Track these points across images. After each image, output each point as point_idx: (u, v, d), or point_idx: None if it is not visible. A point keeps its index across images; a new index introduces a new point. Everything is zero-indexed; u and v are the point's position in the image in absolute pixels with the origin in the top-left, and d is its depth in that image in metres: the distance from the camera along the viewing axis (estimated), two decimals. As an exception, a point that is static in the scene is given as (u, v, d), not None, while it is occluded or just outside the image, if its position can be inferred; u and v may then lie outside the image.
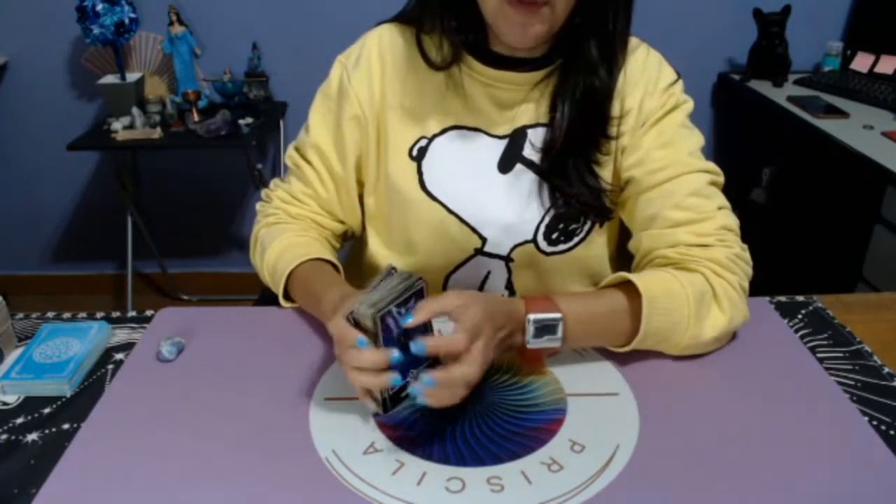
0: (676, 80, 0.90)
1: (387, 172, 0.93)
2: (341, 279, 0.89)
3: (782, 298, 0.94)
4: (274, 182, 1.01)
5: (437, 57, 0.88)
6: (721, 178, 0.88)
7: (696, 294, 0.77)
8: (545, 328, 0.74)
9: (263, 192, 1.01)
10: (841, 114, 1.86)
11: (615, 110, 0.88)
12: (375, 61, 0.91)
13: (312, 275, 0.88)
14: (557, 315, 0.74)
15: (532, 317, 0.74)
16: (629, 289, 0.78)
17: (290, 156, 0.97)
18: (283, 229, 0.94)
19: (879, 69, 2.09)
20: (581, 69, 0.85)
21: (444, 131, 0.91)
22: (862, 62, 2.14)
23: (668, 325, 0.77)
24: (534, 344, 0.74)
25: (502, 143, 0.91)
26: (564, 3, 0.78)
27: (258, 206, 1.01)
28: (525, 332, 0.74)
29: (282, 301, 0.91)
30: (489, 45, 0.87)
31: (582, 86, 0.85)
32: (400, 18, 0.93)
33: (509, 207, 0.90)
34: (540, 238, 0.92)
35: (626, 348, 0.78)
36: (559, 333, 0.74)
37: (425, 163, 0.91)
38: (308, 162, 0.95)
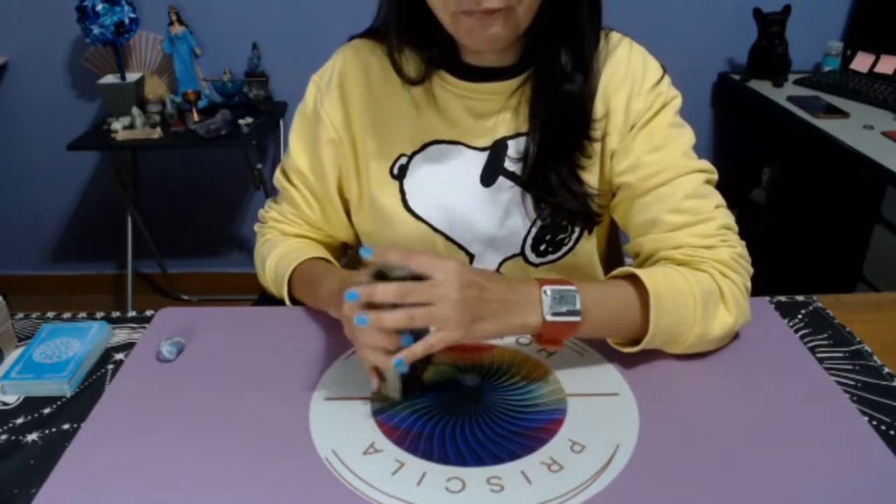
0: (662, 77, 0.87)
1: (370, 192, 0.92)
2: (338, 268, 0.92)
3: (782, 298, 0.94)
4: (268, 203, 1.03)
5: (409, 72, 0.87)
6: (715, 176, 0.86)
7: (702, 292, 0.77)
8: (563, 298, 0.72)
9: (259, 213, 1.03)
10: (841, 114, 1.86)
11: (599, 111, 0.86)
12: (347, 82, 0.90)
13: (309, 270, 0.90)
14: (572, 287, 0.73)
15: (548, 287, 0.72)
16: (637, 284, 0.77)
17: (277, 179, 0.98)
18: (279, 241, 0.97)
19: (879, 69, 2.09)
20: (555, 77, 0.83)
21: (423, 147, 0.89)
22: (862, 62, 2.14)
23: (675, 323, 0.76)
24: (554, 317, 0.71)
25: (483, 156, 0.89)
26: (526, 6, 0.76)
27: (256, 227, 1.03)
28: (541, 308, 0.72)
29: (290, 305, 0.93)
30: (461, 56, 0.86)
31: (559, 94, 0.83)
32: (370, 34, 0.91)
33: (494, 222, 0.89)
34: (528, 250, 0.91)
35: (636, 348, 0.77)
36: (578, 305, 0.72)
37: (407, 181, 0.90)
38: (293, 185, 0.96)
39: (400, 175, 0.90)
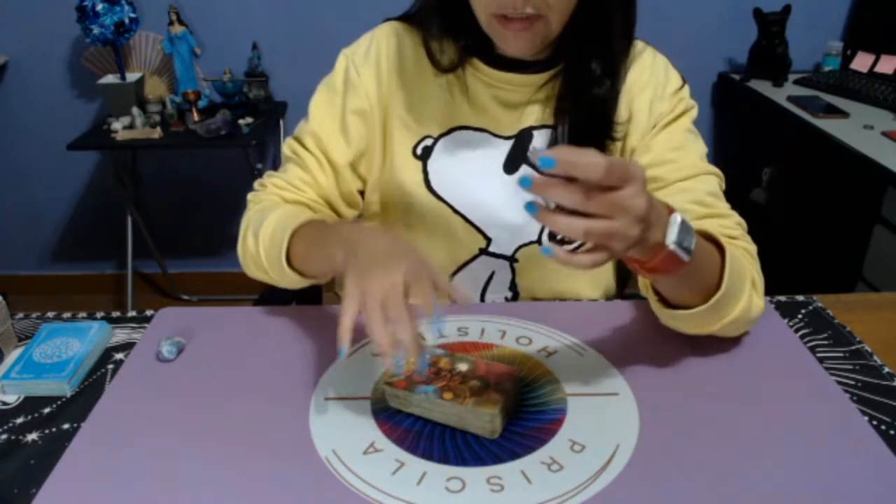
0: (683, 85, 0.92)
1: (391, 169, 0.93)
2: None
3: (782, 298, 0.94)
4: (268, 173, 0.96)
5: (442, 59, 0.89)
6: (724, 184, 0.90)
7: (749, 267, 0.78)
8: (688, 231, 0.65)
9: (256, 183, 0.95)
10: (841, 114, 1.86)
11: (622, 113, 0.88)
12: (384, 58, 0.92)
13: (321, 222, 0.82)
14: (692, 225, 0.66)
15: (679, 215, 0.64)
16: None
17: (288, 145, 0.95)
18: (279, 205, 0.88)
19: (879, 69, 2.09)
20: (583, 79, 0.85)
21: (449, 131, 0.92)
22: (862, 62, 2.14)
23: (736, 290, 0.74)
24: (673, 247, 0.63)
25: (508, 144, 0.91)
26: (559, 15, 0.78)
27: (249, 196, 0.95)
28: (665, 231, 0.63)
29: (284, 266, 0.80)
30: (494, 47, 0.88)
31: (586, 95, 0.86)
32: (406, 18, 0.93)
33: (514, 209, 0.90)
34: (545, 238, 0.92)
35: (701, 308, 0.72)
36: (693, 244, 0.65)
37: (431, 162, 0.92)
38: (307, 149, 0.92)
39: (424, 156, 0.92)
